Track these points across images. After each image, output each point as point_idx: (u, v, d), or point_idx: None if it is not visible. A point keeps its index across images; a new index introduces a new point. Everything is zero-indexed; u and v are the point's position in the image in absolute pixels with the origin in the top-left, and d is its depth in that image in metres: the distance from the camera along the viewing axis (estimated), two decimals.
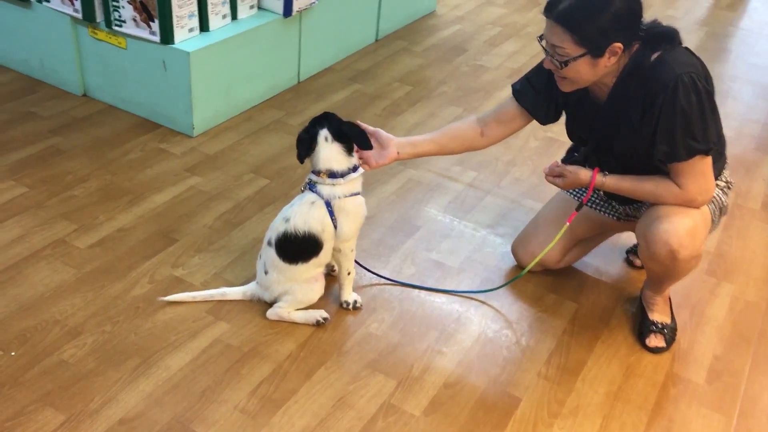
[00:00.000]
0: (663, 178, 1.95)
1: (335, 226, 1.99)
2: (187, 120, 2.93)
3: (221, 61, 2.96)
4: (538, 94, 2.10)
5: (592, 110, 2.04)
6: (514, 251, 2.39)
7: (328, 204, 1.96)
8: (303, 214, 1.97)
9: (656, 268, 2.04)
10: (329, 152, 1.95)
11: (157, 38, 2.80)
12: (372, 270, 2.29)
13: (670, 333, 2.16)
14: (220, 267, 2.27)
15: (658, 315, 2.18)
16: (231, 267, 2.27)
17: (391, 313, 2.17)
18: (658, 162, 1.92)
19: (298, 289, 2.03)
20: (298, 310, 2.07)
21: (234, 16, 3.07)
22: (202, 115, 2.96)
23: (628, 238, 2.53)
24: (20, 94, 3.13)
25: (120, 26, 2.85)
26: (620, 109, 1.94)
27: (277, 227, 2.00)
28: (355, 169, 1.99)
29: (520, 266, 2.38)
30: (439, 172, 2.91)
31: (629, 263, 2.49)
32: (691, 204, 1.94)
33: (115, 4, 2.80)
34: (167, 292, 2.13)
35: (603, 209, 2.27)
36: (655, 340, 2.14)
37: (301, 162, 1.99)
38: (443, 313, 2.20)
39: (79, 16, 2.91)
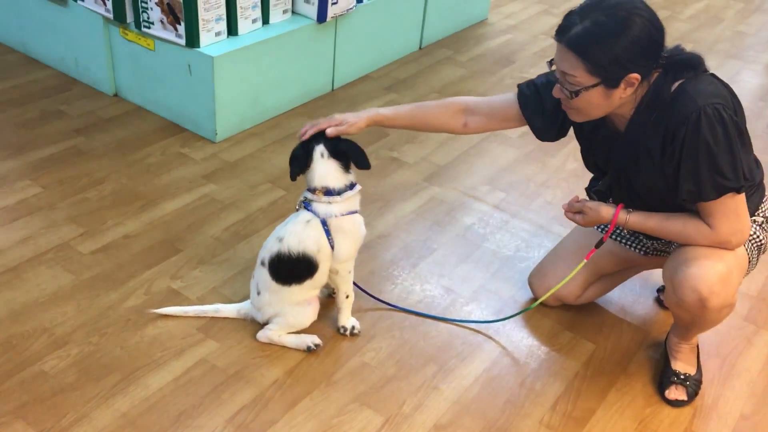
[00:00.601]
0: (692, 217, 1.77)
1: (332, 246, 1.89)
2: (210, 125, 2.88)
3: (249, 67, 2.90)
4: (544, 109, 1.94)
5: (609, 139, 1.87)
6: (530, 283, 2.24)
7: (324, 223, 1.86)
8: (297, 233, 1.88)
9: (684, 316, 1.86)
10: (325, 169, 1.85)
11: (182, 41, 2.76)
12: (371, 293, 2.17)
13: (693, 385, 1.97)
14: (220, 281, 2.20)
15: (682, 364, 1.99)
16: (231, 282, 2.20)
17: (390, 342, 2.05)
18: (683, 202, 1.74)
19: (290, 311, 1.94)
20: (289, 333, 1.97)
21: (266, 21, 3.01)
22: (226, 121, 2.91)
23: (660, 275, 2.33)
24: (54, 91, 3.15)
25: (148, 28, 2.83)
26: (639, 143, 1.77)
27: (270, 247, 1.91)
28: (352, 186, 1.89)
29: (536, 300, 2.22)
30: (465, 191, 2.77)
31: (659, 303, 2.30)
32: (724, 246, 1.75)
33: (143, 5, 2.77)
34: (161, 304, 2.07)
35: (629, 243, 2.09)
36: (675, 392, 1.95)
37: (293, 179, 1.90)
38: (446, 345, 2.07)
39: (111, 16, 2.90)
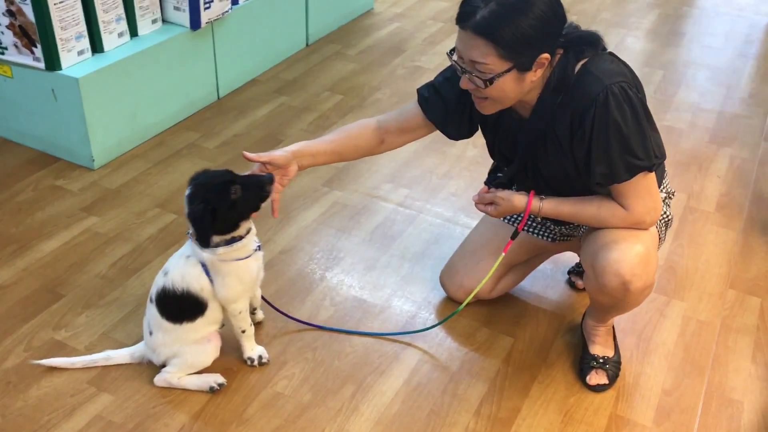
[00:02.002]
0: (606, 200, 1.73)
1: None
2: (85, 151, 2.65)
3: (120, 84, 2.68)
4: (447, 107, 1.86)
5: (513, 126, 1.80)
6: (442, 282, 2.16)
7: (203, 264, 1.71)
8: (180, 268, 1.72)
9: (605, 300, 1.82)
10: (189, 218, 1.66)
11: (42, 65, 2.52)
12: (282, 311, 2.04)
13: (613, 367, 1.94)
14: (110, 325, 2.01)
15: (600, 348, 1.96)
16: (122, 324, 2.01)
17: (303, 367, 1.93)
18: (596, 185, 1.70)
19: (187, 351, 1.78)
20: (190, 374, 1.82)
21: (134, 33, 2.79)
22: (103, 145, 2.69)
23: (569, 257, 2.30)
24: None
25: (2, 54, 2.57)
26: (546, 129, 1.71)
27: (156, 281, 1.75)
28: (228, 242, 1.68)
29: (450, 299, 2.15)
30: (368, 192, 2.66)
31: (571, 285, 2.27)
32: (639, 226, 1.72)
33: None
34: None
35: (537, 231, 2.04)
36: (596, 377, 1.92)
37: (207, 246, 1.68)
38: (362, 361, 1.96)
39: None
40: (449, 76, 1.83)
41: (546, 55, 1.59)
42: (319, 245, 2.38)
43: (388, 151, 2.00)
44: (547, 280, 2.28)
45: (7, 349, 1.92)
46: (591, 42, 1.66)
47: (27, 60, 2.54)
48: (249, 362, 1.90)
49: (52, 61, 2.50)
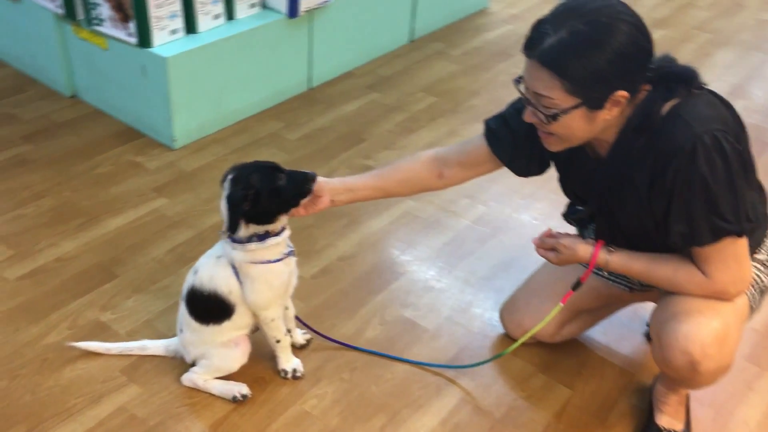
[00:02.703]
0: (684, 262, 1.51)
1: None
2: (168, 131, 2.66)
3: (210, 67, 2.66)
4: (516, 142, 1.67)
5: (589, 165, 1.60)
6: (501, 317, 1.99)
7: (233, 265, 1.63)
8: (209, 268, 1.65)
9: (672, 375, 1.60)
10: (223, 209, 1.57)
11: (134, 40, 2.53)
12: (316, 330, 1.94)
13: None
14: (155, 313, 1.99)
15: (668, 419, 1.74)
16: (166, 314, 1.98)
17: (338, 387, 1.82)
18: (673, 245, 1.48)
19: (215, 354, 1.71)
20: (217, 378, 1.75)
21: (230, 16, 2.77)
22: (186, 126, 2.68)
23: (651, 307, 2.07)
24: (8, 93, 2.95)
25: (99, 25, 2.61)
26: (624, 173, 1.50)
27: (187, 278, 1.69)
28: (261, 237, 1.59)
29: (508, 336, 1.98)
30: (443, 205, 2.51)
31: (649, 339, 2.03)
32: (720, 296, 1.49)
33: (92, 1, 2.55)
34: (86, 340, 1.86)
35: (613, 278, 1.83)
36: None
37: (235, 232, 1.58)
38: (400, 390, 1.83)
39: (62, 12, 2.68)
40: (519, 107, 1.62)
41: (623, 93, 1.38)
42: (380, 256, 2.27)
43: (448, 188, 1.83)
44: (623, 329, 2.06)
45: (52, 324, 1.93)
46: (684, 79, 1.43)
47: (121, 34, 2.56)
48: (282, 374, 1.82)
49: (144, 38, 2.51)
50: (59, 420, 1.68)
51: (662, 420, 1.73)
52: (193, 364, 1.77)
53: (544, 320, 1.74)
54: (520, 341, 1.81)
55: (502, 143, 1.69)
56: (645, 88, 1.43)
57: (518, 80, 1.47)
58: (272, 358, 1.83)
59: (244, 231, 1.57)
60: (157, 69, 2.53)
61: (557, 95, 1.38)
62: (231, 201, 1.54)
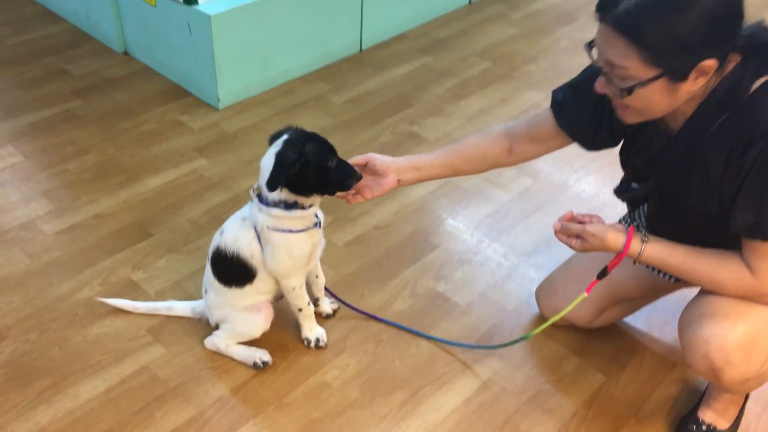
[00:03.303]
0: (730, 256, 1.36)
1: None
2: (212, 91, 2.64)
3: (256, 26, 2.62)
4: (582, 112, 1.54)
5: (656, 140, 1.45)
6: (537, 298, 1.90)
7: (256, 228, 1.59)
8: (234, 230, 1.62)
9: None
10: (266, 165, 1.53)
11: None
12: (341, 299, 1.90)
13: None
14: (185, 274, 1.99)
15: (713, 414, 1.62)
16: (196, 276, 1.98)
17: (361, 359, 1.79)
18: (734, 232, 1.33)
19: (237, 318, 1.70)
20: (239, 344, 1.74)
21: None
22: (230, 86, 2.66)
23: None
24: (63, 48, 2.99)
25: None
26: (696, 151, 1.34)
27: (214, 239, 1.67)
28: (288, 206, 1.54)
29: (543, 317, 1.89)
30: (487, 176, 2.42)
31: None
32: (761, 299, 1.36)
33: None
34: (116, 297, 1.88)
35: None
36: None
37: (273, 190, 1.52)
38: (425, 367, 1.78)
39: None
40: (590, 74, 1.48)
41: (711, 62, 1.22)
42: (417, 226, 2.20)
43: (521, 163, 1.72)
44: (667, 315, 1.94)
45: (85, 280, 1.95)
46: None
47: None
48: (306, 343, 1.79)
49: None
50: (83, 376, 1.71)
51: (706, 414, 1.63)
52: (216, 327, 1.77)
53: (566, 309, 1.64)
54: (542, 327, 1.72)
55: (567, 114, 1.56)
56: (734, 59, 1.27)
57: (590, 45, 1.31)
58: (297, 325, 1.81)
59: (275, 193, 1.53)
60: (202, 27, 2.50)
61: (633, 65, 1.22)
62: (281, 160, 1.48)
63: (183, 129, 2.56)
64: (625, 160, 1.60)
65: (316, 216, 1.62)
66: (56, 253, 2.03)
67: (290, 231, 1.56)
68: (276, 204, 1.53)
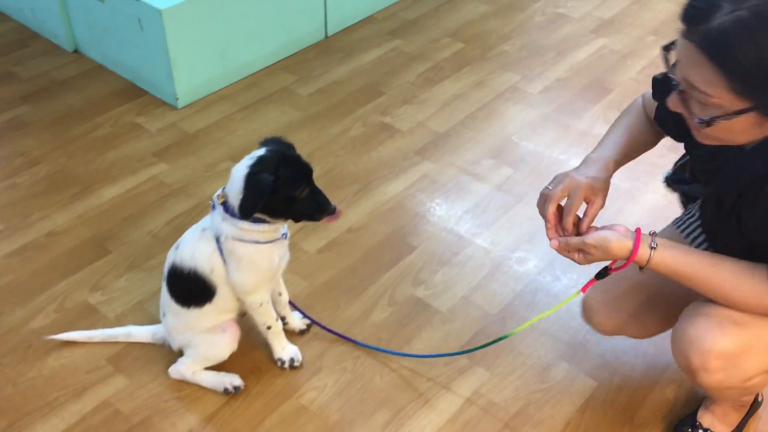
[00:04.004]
0: (755, 271, 1.19)
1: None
2: (170, 89, 2.48)
3: (212, 18, 2.46)
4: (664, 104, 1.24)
5: (721, 153, 1.24)
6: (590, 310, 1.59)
7: (217, 239, 1.46)
8: (192, 243, 1.50)
9: None
10: (236, 174, 1.40)
11: None
12: (310, 317, 1.77)
13: None
14: (147, 294, 1.86)
15: (711, 418, 1.54)
16: (159, 296, 1.83)
17: (339, 378, 1.68)
18: None
19: (200, 341, 1.58)
20: (206, 369, 1.62)
21: None
22: (189, 83, 2.50)
23: None
24: (10, 48, 2.81)
25: None
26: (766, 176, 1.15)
27: (168, 255, 1.54)
28: (256, 220, 1.42)
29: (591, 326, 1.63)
30: (464, 167, 2.30)
31: None
32: None
33: None
34: (72, 324, 1.76)
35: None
36: None
37: (247, 218, 1.42)
38: (406, 383, 1.67)
39: None
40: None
41: None
42: (393, 227, 2.08)
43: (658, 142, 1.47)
44: None
45: (39, 307, 1.82)
46: None
47: None
48: (280, 364, 1.68)
49: None
50: (40, 414, 1.58)
51: (704, 417, 1.54)
52: (181, 353, 1.65)
53: (557, 306, 1.51)
54: (523, 325, 1.61)
55: (660, 94, 1.23)
56: None
57: (667, 48, 1.11)
58: (268, 345, 1.69)
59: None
60: (154, 22, 2.34)
61: (719, 94, 1.04)
62: (257, 185, 1.36)
63: (140, 132, 2.41)
64: (688, 150, 1.38)
65: (283, 228, 1.51)
66: (7, 279, 1.89)
67: (257, 242, 1.44)
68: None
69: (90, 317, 1.79)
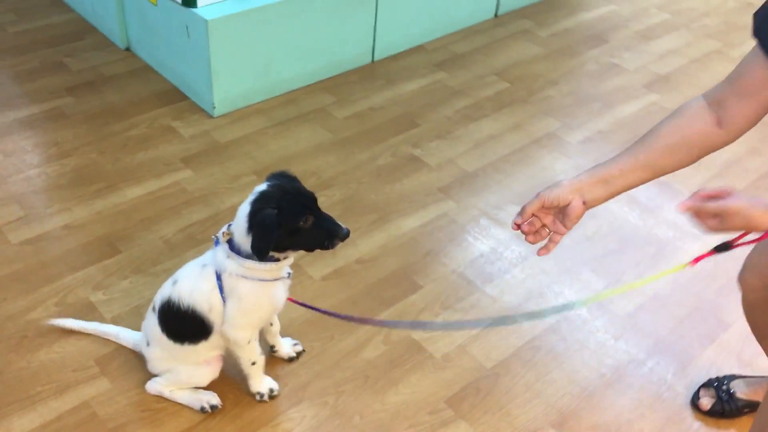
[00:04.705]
0: None
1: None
2: (208, 96, 2.52)
3: (257, 32, 2.49)
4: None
5: None
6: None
7: (219, 276, 1.45)
8: (191, 279, 1.48)
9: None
10: (241, 213, 1.38)
11: None
12: (307, 305, 1.72)
13: (730, 401, 1.53)
14: (146, 300, 1.87)
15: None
16: None
17: (318, 412, 1.65)
18: None
19: (183, 371, 1.57)
20: (183, 389, 1.61)
21: None
22: (227, 93, 2.53)
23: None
24: (66, 39, 2.90)
25: None
26: None
27: (163, 288, 1.54)
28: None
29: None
30: (485, 210, 2.26)
31: (693, 404, 1.73)
32: None
33: None
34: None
35: None
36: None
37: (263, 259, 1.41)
38: (385, 428, 1.63)
39: None
40: None
41: None
42: (403, 263, 2.05)
43: (734, 140, 1.29)
44: (661, 387, 1.76)
45: (41, 299, 1.85)
46: None
47: None
48: (258, 397, 1.65)
49: None
50: (20, 407, 1.60)
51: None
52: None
53: (647, 279, 1.36)
54: (588, 299, 1.54)
55: None
56: None
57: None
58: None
59: (245, 244, 1.38)
60: (199, 31, 2.38)
61: None
62: (264, 223, 1.33)
63: (173, 136, 2.45)
64: None
65: (287, 268, 1.49)
66: (17, 266, 1.93)
67: (263, 280, 1.42)
68: (249, 255, 1.39)
69: (87, 315, 1.81)
